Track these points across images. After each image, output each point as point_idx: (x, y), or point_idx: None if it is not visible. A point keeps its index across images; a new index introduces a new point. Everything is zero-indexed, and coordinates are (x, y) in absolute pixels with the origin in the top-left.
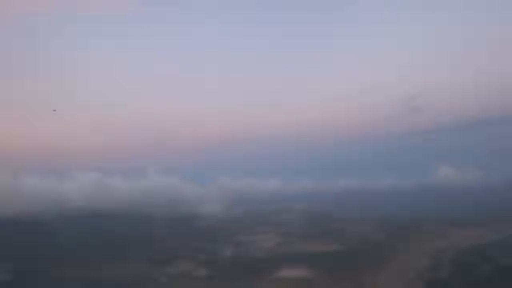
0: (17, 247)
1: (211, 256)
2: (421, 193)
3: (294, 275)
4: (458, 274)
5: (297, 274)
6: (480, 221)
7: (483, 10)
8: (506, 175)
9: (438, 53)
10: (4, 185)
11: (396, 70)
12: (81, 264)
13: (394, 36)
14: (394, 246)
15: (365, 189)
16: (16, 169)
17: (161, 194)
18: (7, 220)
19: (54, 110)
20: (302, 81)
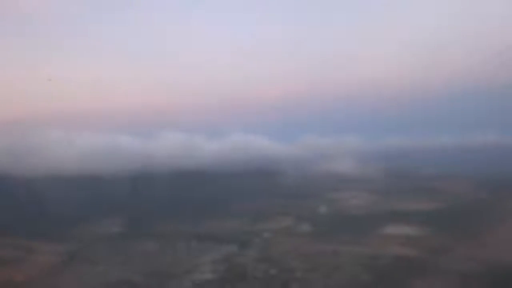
0: (120, 203)
1: (307, 213)
2: None
3: (400, 233)
4: None
5: (404, 232)
6: None
7: None
8: None
9: None
10: (98, 145)
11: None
12: (183, 220)
13: None
14: (503, 204)
15: (456, 145)
16: (107, 130)
17: (245, 152)
18: (106, 178)
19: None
20: (380, 30)
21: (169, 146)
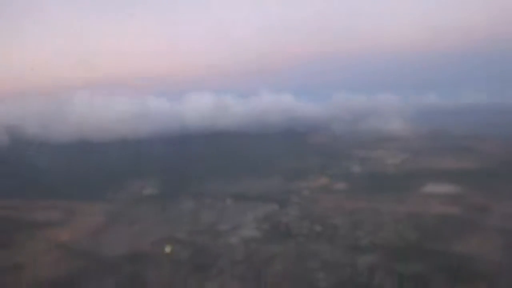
0: (155, 164)
1: (342, 172)
2: None
3: (439, 191)
4: None
5: (443, 190)
6: None
7: None
8: None
9: None
10: (131, 108)
11: None
12: (218, 179)
13: None
14: None
15: (491, 106)
16: (142, 94)
17: (276, 112)
18: (140, 140)
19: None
20: None
21: (201, 108)
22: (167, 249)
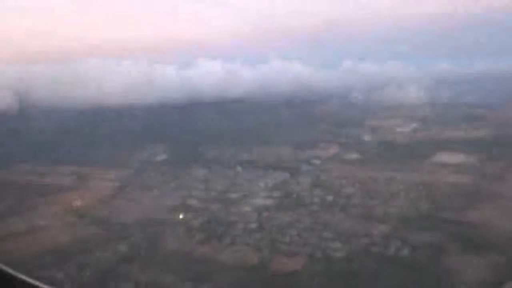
0: (165, 131)
1: (352, 141)
2: None
3: (451, 161)
4: None
5: (455, 160)
6: None
7: None
8: None
9: None
10: (139, 75)
11: None
12: (228, 147)
13: None
14: None
15: (505, 74)
16: (150, 60)
17: (284, 80)
18: (148, 107)
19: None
20: None
21: (209, 75)
22: (180, 215)
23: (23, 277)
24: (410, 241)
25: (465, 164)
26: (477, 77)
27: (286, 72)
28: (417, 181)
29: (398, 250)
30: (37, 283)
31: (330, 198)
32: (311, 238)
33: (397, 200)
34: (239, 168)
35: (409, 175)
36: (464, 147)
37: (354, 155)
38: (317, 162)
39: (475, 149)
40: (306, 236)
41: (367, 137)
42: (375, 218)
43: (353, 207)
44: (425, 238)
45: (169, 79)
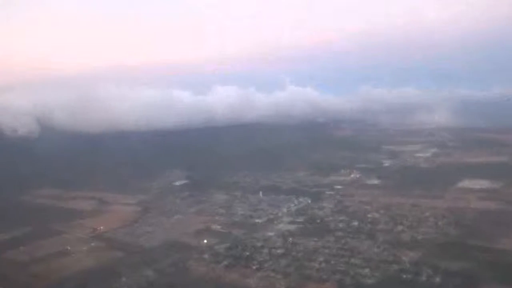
0: (184, 156)
1: (372, 166)
2: None
3: (476, 186)
4: None
5: (479, 185)
6: None
7: None
8: None
9: None
10: (157, 100)
11: None
12: (250, 172)
13: None
14: None
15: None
16: (165, 85)
17: (299, 105)
18: (167, 132)
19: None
20: None
21: (226, 100)
22: (204, 240)
23: None
24: (441, 268)
25: (490, 189)
26: (495, 101)
27: (301, 97)
28: (443, 207)
29: (429, 278)
30: None
31: (355, 223)
32: (339, 264)
33: (425, 227)
34: (260, 193)
35: (434, 201)
36: (487, 172)
37: (375, 181)
38: (339, 187)
39: (498, 174)
40: (334, 262)
41: (387, 162)
42: (403, 245)
43: (379, 233)
44: (456, 265)
45: (185, 104)
